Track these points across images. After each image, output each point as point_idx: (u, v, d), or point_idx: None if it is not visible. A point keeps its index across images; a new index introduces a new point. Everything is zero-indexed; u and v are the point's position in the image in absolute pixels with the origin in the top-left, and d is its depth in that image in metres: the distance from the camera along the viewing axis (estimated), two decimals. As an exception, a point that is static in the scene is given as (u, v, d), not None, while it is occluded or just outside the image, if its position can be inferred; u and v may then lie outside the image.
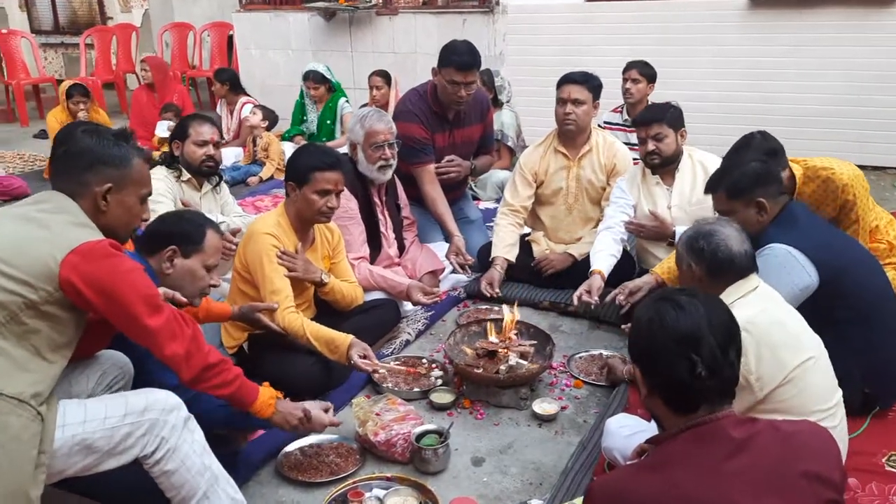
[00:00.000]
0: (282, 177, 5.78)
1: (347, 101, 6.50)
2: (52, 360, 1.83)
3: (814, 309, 2.42)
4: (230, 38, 9.04)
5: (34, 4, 11.60)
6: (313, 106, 6.51)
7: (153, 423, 1.92)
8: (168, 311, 1.91)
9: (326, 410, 2.46)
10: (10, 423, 1.71)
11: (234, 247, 3.20)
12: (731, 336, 1.47)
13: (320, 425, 2.44)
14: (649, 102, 5.08)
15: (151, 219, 3.15)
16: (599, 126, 5.21)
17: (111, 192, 1.93)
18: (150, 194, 2.07)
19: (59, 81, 9.18)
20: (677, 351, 1.44)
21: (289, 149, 6.35)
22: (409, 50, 7.33)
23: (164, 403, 1.96)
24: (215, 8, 9.86)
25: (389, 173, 3.51)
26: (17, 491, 1.72)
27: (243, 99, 6.67)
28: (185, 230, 2.36)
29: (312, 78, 6.35)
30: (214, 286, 2.49)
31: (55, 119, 6.34)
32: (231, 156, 6.46)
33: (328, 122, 6.36)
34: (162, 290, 2.16)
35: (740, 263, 2.13)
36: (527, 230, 3.95)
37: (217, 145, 3.51)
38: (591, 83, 3.64)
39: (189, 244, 2.34)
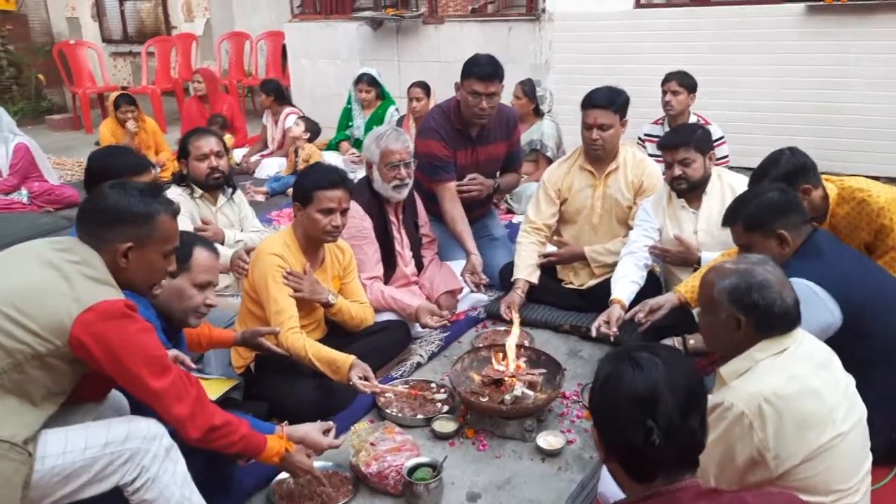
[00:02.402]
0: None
1: (397, 110, 6.49)
2: (42, 406, 1.84)
3: (836, 349, 2.24)
4: (284, 47, 9.17)
5: (105, 14, 12.05)
6: (361, 111, 6.54)
7: (134, 451, 1.90)
8: (174, 373, 1.90)
9: (328, 431, 2.40)
10: (1, 468, 1.72)
11: (247, 266, 3.20)
12: (692, 400, 1.35)
13: (319, 448, 2.39)
14: (691, 113, 4.91)
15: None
16: (640, 139, 5.08)
17: (132, 250, 1.92)
18: (175, 249, 2.05)
19: (124, 89, 9.55)
20: (632, 414, 1.33)
21: (332, 158, 6.38)
22: (455, 58, 7.23)
23: (146, 432, 1.94)
24: (273, 17, 10.02)
25: (405, 192, 3.45)
26: None
27: (287, 109, 6.75)
28: None
29: (366, 80, 6.39)
30: (211, 305, 2.46)
31: (107, 129, 6.56)
32: (275, 166, 6.56)
33: (375, 128, 6.36)
34: (172, 352, 2.15)
35: (793, 317, 1.90)
36: (550, 248, 3.82)
37: (219, 155, 3.51)
38: (617, 104, 3.47)
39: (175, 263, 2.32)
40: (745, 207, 2.48)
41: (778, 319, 1.87)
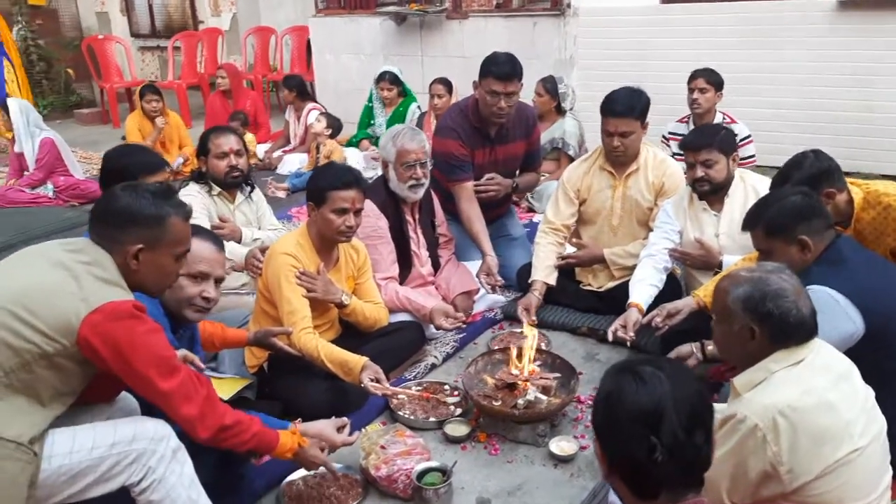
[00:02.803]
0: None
1: (419, 107, 6.48)
2: (50, 406, 1.84)
3: (857, 359, 2.18)
4: (309, 41, 9.19)
5: (133, 9, 12.14)
6: (382, 109, 6.55)
7: (141, 452, 1.91)
8: (183, 374, 1.90)
9: (342, 428, 2.37)
10: (6, 467, 1.73)
11: (262, 265, 3.19)
12: (698, 416, 1.31)
13: (333, 445, 2.35)
14: (717, 111, 4.82)
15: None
16: (664, 137, 5.00)
17: (142, 252, 1.91)
18: (187, 251, 2.04)
19: (151, 83, 9.63)
20: (635, 431, 1.29)
21: (352, 155, 6.39)
22: (479, 54, 7.06)
23: (153, 433, 1.95)
24: (298, 12, 10.05)
25: (421, 192, 3.42)
26: None
27: (310, 105, 6.76)
28: None
29: (388, 79, 6.40)
30: (209, 299, 2.38)
31: (133, 123, 6.63)
32: (297, 162, 6.57)
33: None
34: (181, 352, 2.13)
35: (809, 327, 1.85)
36: (570, 249, 3.77)
37: (239, 154, 3.51)
38: (637, 110, 3.39)
39: None
40: (765, 212, 2.41)
41: (793, 329, 1.82)
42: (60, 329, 1.77)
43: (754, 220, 2.44)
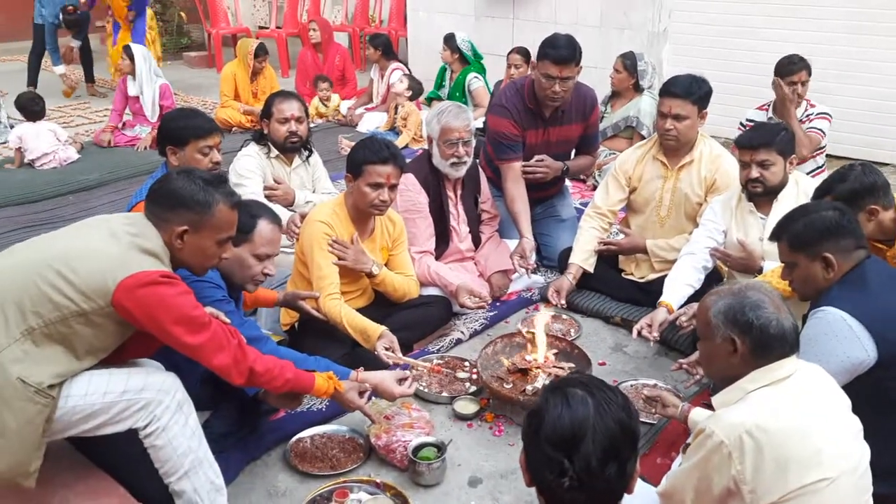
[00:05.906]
0: (417, 146, 5.94)
1: (477, 77, 6.46)
2: (83, 359, 2.03)
3: (866, 388, 2.11)
4: (408, -3, 9.20)
5: (245, -47, 12.45)
6: (450, 74, 6.63)
7: (148, 401, 2.08)
8: (213, 328, 2.07)
9: (402, 380, 2.60)
10: (26, 408, 1.94)
11: (300, 230, 3.33)
12: (615, 448, 1.32)
13: (390, 397, 2.59)
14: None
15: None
16: (741, 124, 4.76)
17: (187, 234, 2.09)
18: (230, 238, 2.20)
19: (262, 28, 9.94)
20: (550, 451, 1.33)
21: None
22: (570, 21, 7.05)
23: (161, 385, 2.12)
24: (402, -34, 10.06)
25: (463, 170, 3.46)
26: (21, 466, 1.96)
27: (394, 65, 6.82)
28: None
29: (445, 39, 6.49)
30: (269, 275, 2.62)
31: (230, 70, 6.84)
32: (376, 121, 6.68)
33: (458, 94, 6.40)
34: (209, 309, 2.29)
35: (790, 341, 1.83)
36: (619, 236, 3.72)
37: (300, 121, 3.63)
38: (696, 95, 3.29)
39: (238, 234, 2.45)
40: (793, 225, 2.32)
41: (775, 341, 1.81)
42: (97, 290, 1.95)
43: (781, 232, 2.36)
